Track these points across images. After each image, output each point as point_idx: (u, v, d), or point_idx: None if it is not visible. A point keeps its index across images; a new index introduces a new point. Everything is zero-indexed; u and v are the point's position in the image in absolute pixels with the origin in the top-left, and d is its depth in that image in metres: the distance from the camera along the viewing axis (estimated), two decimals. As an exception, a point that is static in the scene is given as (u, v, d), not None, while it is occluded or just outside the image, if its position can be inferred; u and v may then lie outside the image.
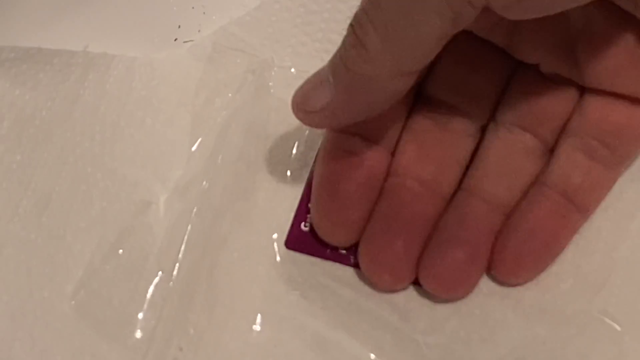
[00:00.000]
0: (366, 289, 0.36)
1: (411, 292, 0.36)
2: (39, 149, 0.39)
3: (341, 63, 0.32)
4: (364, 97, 0.33)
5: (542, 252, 0.35)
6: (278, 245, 0.37)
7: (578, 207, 0.35)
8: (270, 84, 0.40)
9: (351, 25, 0.32)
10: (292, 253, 0.37)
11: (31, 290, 0.37)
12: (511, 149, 0.36)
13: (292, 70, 0.40)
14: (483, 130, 0.37)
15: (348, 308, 0.36)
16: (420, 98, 0.37)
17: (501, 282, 0.36)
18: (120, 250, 0.37)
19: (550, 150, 0.36)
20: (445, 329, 0.35)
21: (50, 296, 0.36)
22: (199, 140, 0.39)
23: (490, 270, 0.35)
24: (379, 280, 0.36)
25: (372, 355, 0.35)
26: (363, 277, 0.36)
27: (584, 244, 0.36)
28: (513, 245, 0.35)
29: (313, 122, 0.35)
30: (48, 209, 0.38)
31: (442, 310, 0.36)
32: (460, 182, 0.37)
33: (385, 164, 0.36)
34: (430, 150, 0.36)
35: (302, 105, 0.34)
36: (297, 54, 0.40)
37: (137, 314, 0.36)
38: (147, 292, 0.36)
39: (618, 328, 0.35)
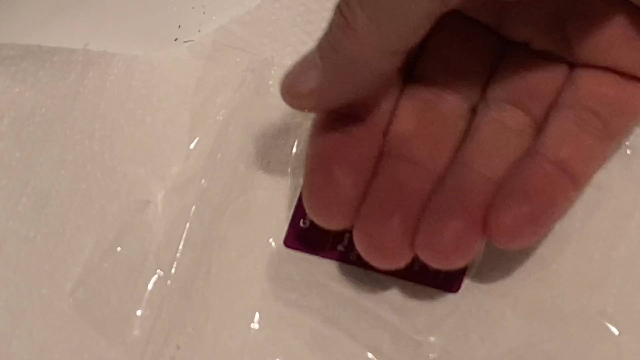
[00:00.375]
0: (365, 287, 0.36)
1: (410, 291, 0.36)
2: (38, 147, 0.39)
3: (328, 45, 0.32)
4: (352, 78, 0.33)
5: (540, 216, 0.34)
6: (276, 244, 0.37)
7: (570, 176, 0.35)
8: (270, 82, 0.40)
9: (338, 6, 0.32)
10: (290, 251, 0.37)
11: (30, 287, 0.37)
12: (502, 126, 0.36)
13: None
14: (475, 108, 0.37)
15: (346, 307, 0.36)
16: (411, 77, 0.37)
17: (500, 248, 0.34)
18: (119, 248, 0.37)
19: (540, 122, 0.36)
20: (443, 328, 0.35)
21: (49, 294, 0.37)
22: (198, 138, 0.39)
23: (487, 236, 0.34)
24: (376, 259, 0.35)
25: (370, 354, 0.35)
26: (362, 276, 0.36)
27: (583, 243, 0.36)
28: (509, 208, 0.34)
29: (302, 106, 0.34)
30: (47, 207, 0.38)
31: (441, 309, 0.36)
32: (454, 158, 0.36)
33: (377, 144, 0.36)
34: (423, 129, 0.36)
35: (291, 88, 0.34)
36: (298, 52, 0.40)
37: (135, 312, 0.36)
38: (145, 290, 0.36)
39: (616, 328, 0.35)
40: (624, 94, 0.35)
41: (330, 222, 0.35)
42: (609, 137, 0.36)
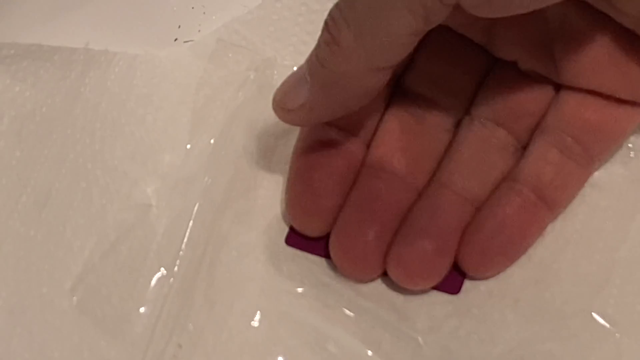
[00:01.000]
0: (366, 287, 0.36)
1: (410, 292, 0.36)
2: (39, 146, 0.39)
3: (317, 61, 0.33)
4: (340, 94, 0.33)
5: (509, 248, 0.36)
6: (278, 243, 0.37)
7: (548, 203, 0.36)
8: (273, 81, 0.40)
9: (326, 22, 0.32)
10: (292, 251, 0.37)
11: (30, 286, 0.36)
12: (485, 144, 0.36)
13: (295, 69, 0.40)
14: (459, 124, 0.37)
15: (347, 306, 0.36)
16: (398, 91, 0.37)
17: (469, 276, 0.36)
18: (120, 247, 0.37)
19: (524, 147, 0.37)
20: (443, 329, 0.35)
21: (49, 292, 0.36)
22: (201, 137, 0.39)
23: (456, 262, 0.36)
24: (348, 270, 0.36)
25: (370, 353, 0.35)
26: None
27: (584, 244, 0.36)
28: (480, 239, 0.35)
29: (293, 120, 0.35)
30: (47, 205, 0.38)
31: (441, 309, 0.36)
32: (434, 174, 0.37)
33: (360, 155, 0.37)
34: (406, 143, 0.36)
35: (282, 103, 0.34)
36: (299, 52, 0.40)
37: (136, 310, 0.36)
38: (146, 288, 0.36)
39: (617, 329, 0.35)
40: (607, 119, 0.36)
41: (308, 229, 0.37)
42: (589, 162, 0.36)
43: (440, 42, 0.36)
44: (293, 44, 0.41)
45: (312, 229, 0.37)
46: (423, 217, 0.35)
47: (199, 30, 0.42)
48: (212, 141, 0.39)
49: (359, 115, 0.36)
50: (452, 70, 0.37)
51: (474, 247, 0.35)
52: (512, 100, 0.37)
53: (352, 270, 0.36)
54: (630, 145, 0.38)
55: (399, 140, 0.37)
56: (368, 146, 0.37)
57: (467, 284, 0.36)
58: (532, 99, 0.37)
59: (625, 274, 0.36)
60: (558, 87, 0.36)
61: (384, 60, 0.32)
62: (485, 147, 0.36)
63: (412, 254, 0.35)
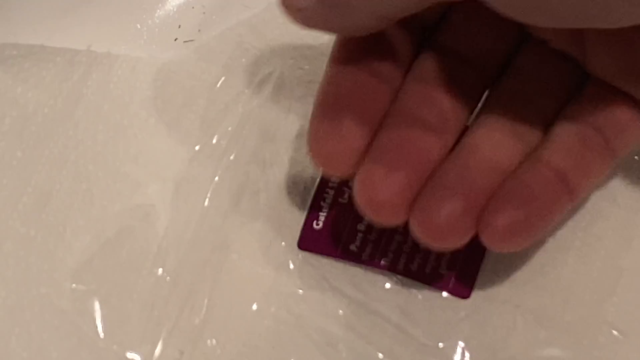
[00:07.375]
0: (373, 290, 0.36)
1: (420, 297, 0.36)
2: (40, 147, 0.39)
3: None
4: (338, 21, 0.33)
5: (534, 222, 0.34)
6: (289, 246, 0.37)
7: (569, 188, 0.35)
8: (286, 85, 0.40)
9: None
10: (303, 254, 0.37)
11: (29, 286, 0.36)
12: (514, 116, 0.35)
13: (305, 69, 0.40)
14: (486, 86, 0.36)
15: (358, 310, 0.36)
16: (430, 44, 0.36)
17: (490, 249, 0.34)
18: (121, 248, 0.37)
19: (549, 124, 0.36)
20: (450, 334, 0.35)
21: (49, 292, 0.36)
22: (210, 140, 0.39)
23: (479, 235, 0.34)
24: (373, 213, 0.34)
25: (381, 355, 0.35)
26: (373, 280, 0.36)
27: (585, 251, 0.36)
28: (505, 211, 0.33)
29: (293, 18, 0.34)
30: (48, 206, 0.38)
31: (443, 314, 0.36)
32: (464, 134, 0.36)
33: (389, 100, 0.35)
34: (436, 95, 0.35)
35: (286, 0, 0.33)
36: (305, 57, 0.40)
37: (136, 312, 0.36)
38: (147, 290, 0.36)
39: (619, 336, 0.35)
40: (629, 115, 0.35)
41: (334, 170, 0.35)
42: (610, 155, 0.35)
43: (478, 6, 0.34)
44: (299, 48, 0.41)
45: (338, 171, 0.35)
46: (452, 175, 0.34)
47: (199, 30, 0.42)
48: (222, 145, 0.39)
49: (389, 61, 0.35)
50: (487, 32, 0.36)
51: (498, 219, 0.33)
52: (540, 76, 0.36)
53: (377, 212, 0.34)
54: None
55: (429, 92, 0.35)
56: (398, 90, 0.35)
57: (469, 290, 0.36)
58: (560, 79, 0.36)
59: (628, 281, 0.36)
60: (587, 76, 0.36)
61: (386, 11, 0.31)
62: (515, 120, 0.35)
63: (439, 209, 0.33)
